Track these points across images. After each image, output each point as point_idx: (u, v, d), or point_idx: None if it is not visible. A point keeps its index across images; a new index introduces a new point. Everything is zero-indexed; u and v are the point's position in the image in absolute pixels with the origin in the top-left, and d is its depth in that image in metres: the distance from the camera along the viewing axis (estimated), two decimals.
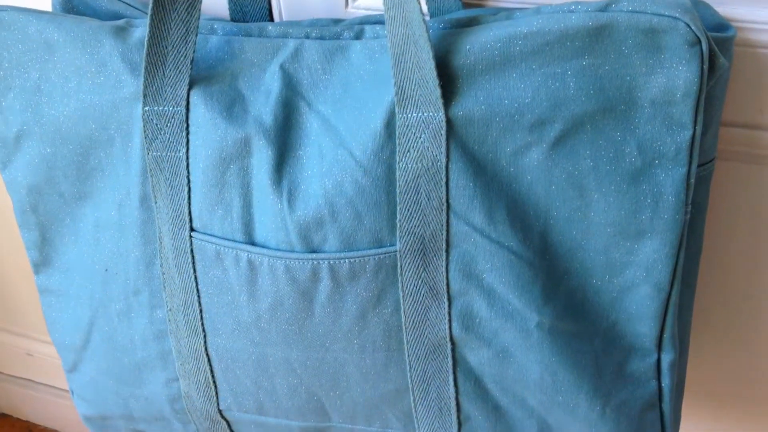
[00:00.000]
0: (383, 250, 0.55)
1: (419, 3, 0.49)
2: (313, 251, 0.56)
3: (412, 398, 0.60)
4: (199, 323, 0.62)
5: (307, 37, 0.58)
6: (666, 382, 0.58)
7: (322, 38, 0.57)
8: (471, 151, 0.53)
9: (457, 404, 0.60)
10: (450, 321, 0.57)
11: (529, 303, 0.55)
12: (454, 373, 0.59)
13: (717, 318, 0.71)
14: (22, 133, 0.62)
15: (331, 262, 0.56)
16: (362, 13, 0.62)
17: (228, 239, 0.58)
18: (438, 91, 0.51)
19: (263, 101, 0.57)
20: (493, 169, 0.53)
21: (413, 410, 0.61)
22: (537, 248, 0.55)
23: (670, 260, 0.54)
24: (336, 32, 0.57)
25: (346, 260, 0.55)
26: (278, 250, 0.57)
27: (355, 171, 0.54)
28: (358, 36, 0.57)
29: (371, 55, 0.56)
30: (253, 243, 0.57)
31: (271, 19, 0.65)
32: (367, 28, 0.57)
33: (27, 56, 0.60)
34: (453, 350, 0.58)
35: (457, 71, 0.52)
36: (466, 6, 0.60)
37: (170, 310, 0.63)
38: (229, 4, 0.64)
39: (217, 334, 0.62)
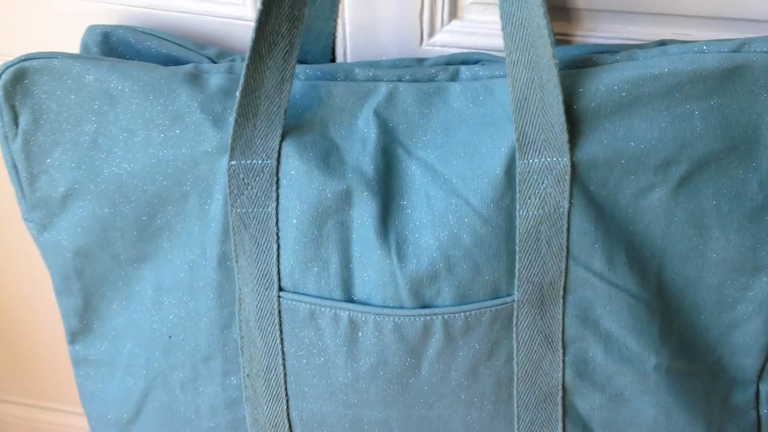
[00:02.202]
0: (500, 300, 0.53)
1: (551, 47, 0.47)
2: (425, 306, 0.53)
3: None
4: (282, 388, 0.57)
5: (400, 79, 0.55)
6: (764, 410, 0.59)
7: (416, 80, 0.55)
8: (592, 195, 0.51)
9: None
10: (564, 369, 0.55)
11: (647, 345, 0.54)
12: (563, 421, 0.57)
13: None
14: (71, 192, 0.56)
15: (446, 317, 0.53)
16: (438, 50, 0.60)
17: (324, 298, 0.54)
18: (565, 136, 0.49)
19: (360, 149, 0.53)
20: (612, 211, 0.52)
21: None
22: (653, 289, 0.54)
23: None
24: (430, 74, 0.55)
25: (462, 314, 0.53)
26: (385, 307, 0.53)
27: (473, 220, 0.51)
28: (454, 78, 0.55)
29: (475, 97, 0.53)
30: (352, 301, 0.54)
31: (334, 60, 0.62)
32: (463, 68, 0.55)
33: (81, 108, 0.54)
34: (563, 398, 0.56)
35: (581, 114, 0.50)
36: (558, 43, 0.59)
37: (248, 375, 0.58)
38: None
39: (303, 398, 0.57)
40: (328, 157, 0.53)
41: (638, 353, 0.54)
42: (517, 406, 0.56)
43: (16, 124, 0.55)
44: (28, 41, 0.66)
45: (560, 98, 0.48)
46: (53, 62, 0.54)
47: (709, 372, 0.57)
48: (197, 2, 0.62)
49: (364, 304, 0.54)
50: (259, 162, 0.53)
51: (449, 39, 0.59)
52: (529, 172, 0.51)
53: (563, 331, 0.54)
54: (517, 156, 0.50)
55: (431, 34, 0.59)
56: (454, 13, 0.59)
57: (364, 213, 0.52)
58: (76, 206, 0.56)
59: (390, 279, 0.53)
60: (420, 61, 0.58)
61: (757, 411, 0.58)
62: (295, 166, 0.53)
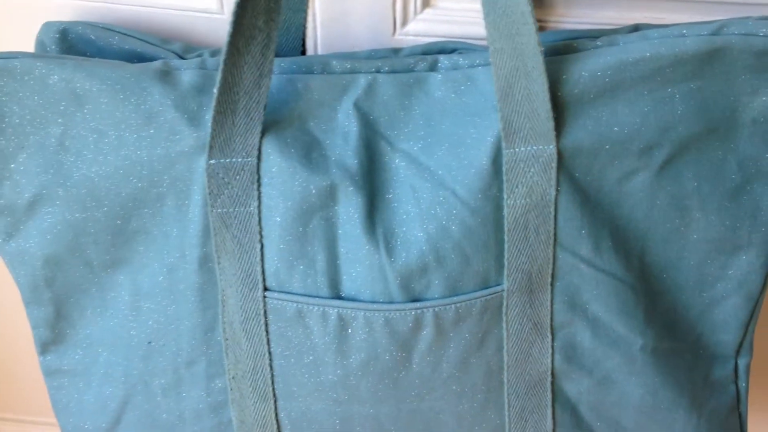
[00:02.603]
0: (490, 290, 0.53)
1: (536, 35, 0.47)
2: (415, 299, 0.52)
3: None
4: (270, 388, 0.56)
5: (378, 71, 0.54)
6: (742, 384, 0.60)
7: (394, 71, 0.54)
8: (578, 181, 0.51)
9: None
10: (553, 354, 0.55)
11: (633, 327, 0.54)
12: (553, 406, 0.57)
13: None
14: (39, 198, 0.53)
15: (437, 310, 0.52)
16: (411, 39, 0.59)
17: (311, 296, 0.53)
18: (551, 123, 0.49)
19: (342, 144, 0.52)
20: (597, 197, 0.52)
21: None
22: (637, 271, 0.54)
23: (762, 270, 0.55)
24: (408, 64, 0.54)
25: (453, 306, 0.52)
26: (374, 302, 0.52)
27: (461, 212, 0.51)
28: (433, 67, 0.54)
29: (456, 87, 0.53)
30: (340, 297, 0.53)
31: (304, 52, 0.60)
32: (442, 58, 0.54)
33: (46, 110, 0.52)
34: (552, 383, 0.56)
35: (565, 101, 0.50)
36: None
37: (233, 378, 0.57)
38: None
39: (291, 397, 0.56)
40: (310, 153, 0.52)
41: (625, 336, 0.55)
42: (508, 394, 0.56)
43: None
44: None
45: (546, 86, 0.48)
46: (13, 63, 0.51)
47: (691, 350, 0.58)
48: None
49: (353, 300, 0.53)
50: (239, 160, 0.51)
51: (422, 28, 0.58)
52: (515, 161, 0.50)
53: (552, 318, 0.54)
54: (503, 145, 0.50)
55: (404, 23, 0.58)
56: (427, 2, 0.58)
57: (349, 208, 0.51)
58: (44, 212, 0.54)
59: (379, 274, 0.52)
60: (395, 51, 0.57)
61: (736, 385, 0.60)
62: (276, 163, 0.51)
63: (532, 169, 0.50)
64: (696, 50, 0.49)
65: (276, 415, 0.57)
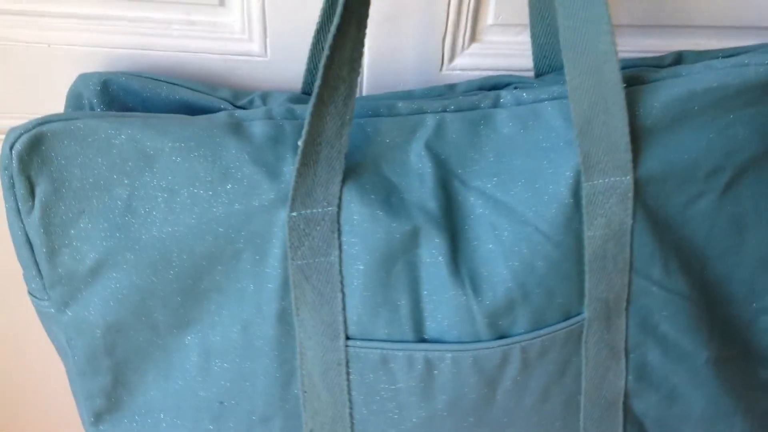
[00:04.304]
0: (571, 321, 0.54)
1: (619, 72, 0.48)
2: (501, 336, 0.53)
3: None
4: None
5: (445, 110, 0.53)
6: None
7: (460, 110, 0.54)
8: (650, 208, 0.53)
9: None
10: (626, 376, 0.57)
11: (699, 342, 0.57)
12: (624, 425, 0.59)
13: None
14: (102, 264, 0.51)
15: (523, 345, 0.53)
16: (457, 74, 0.59)
17: (396, 341, 0.52)
18: (629, 155, 0.51)
19: (419, 186, 0.52)
20: (665, 221, 0.54)
21: None
22: (699, 288, 0.56)
23: None
24: (473, 102, 0.54)
25: (539, 340, 0.53)
26: (461, 342, 0.52)
27: (545, 247, 0.51)
28: (496, 104, 0.54)
29: (524, 123, 0.53)
30: (424, 340, 0.53)
31: None
32: (504, 93, 0.54)
33: (111, 171, 0.49)
34: (624, 403, 0.58)
35: (639, 132, 0.51)
36: None
37: (311, 430, 0.55)
38: (306, 76, 0.57)
39: None
40: (389, 198, 0.51)
41: (691, 351, 0.57)
42: (584, 418, 0.57)
43: (33, 196, 0.49)
44: (3, 96, 0.59)
45: (626, 120, 0.49)
46: (75, 123, 0.48)
47: (742, 356, 0.60)
48: (193, 40, 0.57)
49: (438, 342, 0.53)
50: (320, 210, 0.50)
51: (468, 62, 0.59)
52: (594, 193, 0.51)
53: (626, 341, 0.56)
54: (582, 178, 0.51)
55: (452, 58, 0.58)
56: (474, 36, 0.58)
57: (432, 250, 0.51)
58: (108, 278, 0.51)
59: (467, 315, 0.52)
60: (451, 87, 0.57)
61: None
62: (357, 210, 0.50)
63: (611, 200, 0.52)
64: (759, 79, 0.51)
65: None
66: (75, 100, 0.55)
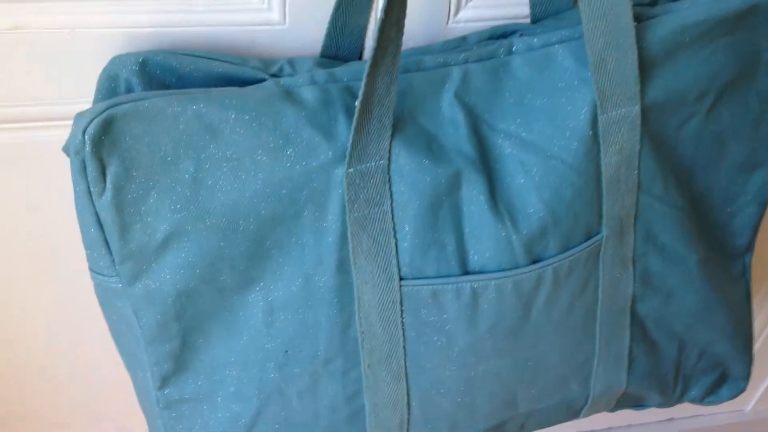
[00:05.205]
0: (592, 240, 0.60)
1: (631, 13, 0.54)
2: (536, 260, 0.59)
3: (596, 362, 0.67)
4: (403, 369, 0.61)
5: (467, 61, 0.58)
6: (748, 276, 0.73)
7: (481, 60, 0.58)
8: (652, 132, 0.60)
9: (630, 353, 0.68)
10: (634, 283, 0.64)
11: (690, 246, 0.65)
12: (630, 327, 0.67)
13: None
14: (172, 235, 0.53)
15: (554, 266, 0.59)
16: (462, 27, 0.63)
17: (444, 276, 0.58)
18: (638, 87, 0.57)
19: (454, 133, 0.57)
20: (663, 142, 0.61)
21: (593, 372, 0.67)
22: (688, 200, 0.64)
23: None
24: (490, 51, 0.59)
25: (567, 260, 0.59)
26: (501, 270, 0.58)
27: (571, 176, 0.58)
28: (509, 51, 0.59)
29: (539, 67, 0.58)
30: (468, 273, 0.58)
31: (362, 54, 0.63)
32: (515, 41, 0.59)
33: (177, 147, 0.51)
34: (631, 308, 0.66)
35: (643, 66, 0.58)
36: None
37: (368, 366, 0.60)
38: (326, 41, 0.60)
39: (422, 372, 0.61)
40: (431, 146, 0.56)
41: (684, 255, 0.65)
42: (600, 325, 0.65)
43: (104, 178, 0.51)
44: (31, 85, 0.59)
45: (636, 56, 0.56)
46: (143, 104, 0.50)
47: (721, 255, 0.69)
48: (213, 14, 0.59)
49: (481, 272, 0.58)
50: (373, 164, 0.54)
51: (472, 14, 0.63)
52: (609, 123, 0.58)
53: (634, 252, 0.63)
54: (598, 111, 0.57)
55: (457, 11, 0.63)
56: None
57: (473, 191, 0.56)
58: (179, 248, 0.54)
59: (507, 245, 0.57)
60: (463, 39, 0.61)
61: (746, 277, 0.73)
62: (403, 161, 0.55)
63: (623, 129, 0.58)
64: (736, 10, 0.59)
65: (407, 390, 0.62)
66: (111, 81, 0.55)
